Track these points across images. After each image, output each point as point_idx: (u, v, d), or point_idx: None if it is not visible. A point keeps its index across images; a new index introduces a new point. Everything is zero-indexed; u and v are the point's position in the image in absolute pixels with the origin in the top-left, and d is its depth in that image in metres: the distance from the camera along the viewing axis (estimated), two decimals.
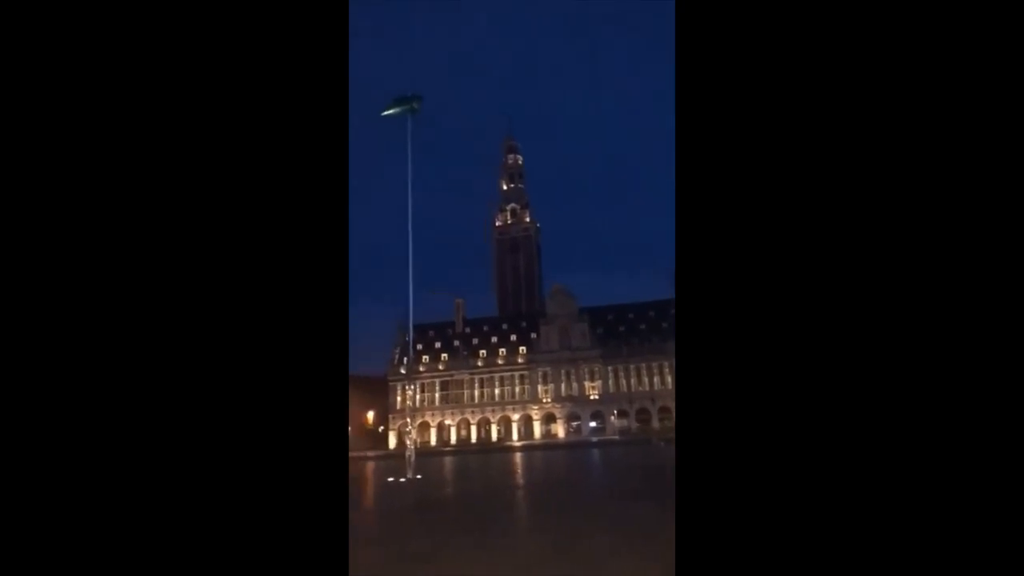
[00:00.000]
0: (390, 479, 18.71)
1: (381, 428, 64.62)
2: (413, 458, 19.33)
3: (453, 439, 61.77)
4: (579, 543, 7.38)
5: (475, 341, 66.56)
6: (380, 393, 63.85)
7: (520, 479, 19.20)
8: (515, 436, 59.96)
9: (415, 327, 59.02)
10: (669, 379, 58.77)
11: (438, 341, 66.31)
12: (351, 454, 28.08)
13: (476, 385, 63.93)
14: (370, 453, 47.77)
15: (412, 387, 21.77)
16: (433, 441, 61.11)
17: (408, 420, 23.20)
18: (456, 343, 66.60)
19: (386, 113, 22.17)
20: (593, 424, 59.32)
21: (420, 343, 63.04)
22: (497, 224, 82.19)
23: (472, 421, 62.92)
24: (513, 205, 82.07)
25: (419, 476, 18.68)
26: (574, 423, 60.17)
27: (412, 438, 21.80)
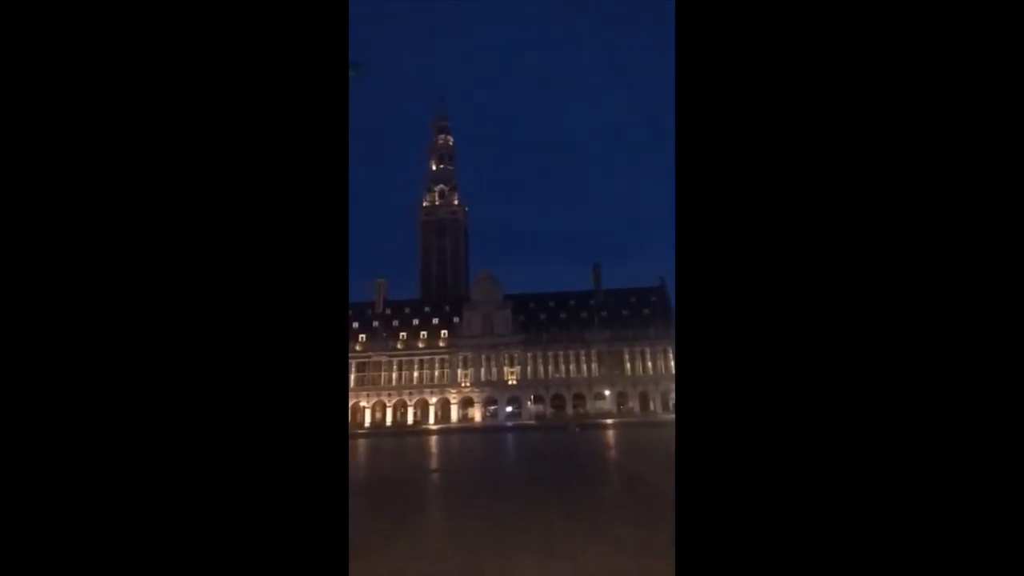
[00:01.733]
0: None
1: None
2: None
3: (367, 422, 60.56)
4: (517, 525, 7.57)
5: (395, 323, 65.35)
6: None
7: (442, 461, 19.25)
8: (431, 419, 59.79)
9: None
10: (584, 367, 60.99)
11: (356, 321, 64.41)
12: None
13: (394, 368, 62.91)
14: None
15: None
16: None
17: None
18: (375, 324, 65.03)
19: None
20: (509, 409, 60.41)
21: None
22: (424, 205, 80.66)
23: (388, 404, 61.96)
24: (442, 187, 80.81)
25: None
26: (491, 407, 60.95)
27: None
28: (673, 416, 48.42)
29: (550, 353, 61.78)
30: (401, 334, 64.42)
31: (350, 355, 61.80)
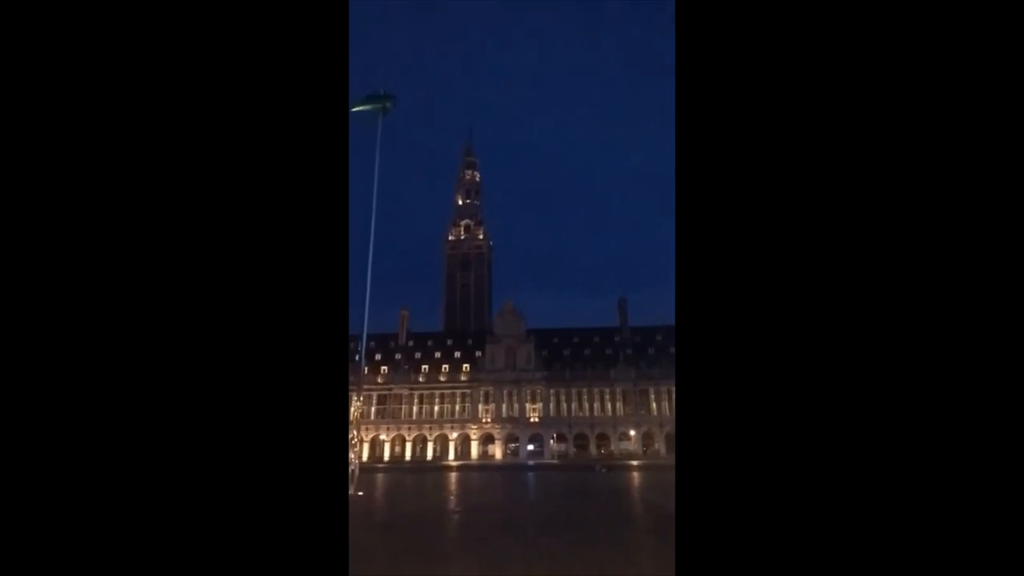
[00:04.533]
0: None
1: None
2: (357, 473, 18.17)
3: (387, 455, 59.65)
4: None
5: (418, 355, 65.06)
6: None
7: (474, 499, 18.49)
8: (451, 455, 58.59)
9: (355, 336, 56.89)
10: (609, 406, 59.47)
11: (379, 353, 64.28)
12: None
13: (415, 401, 62.24)
14: None
15: (358, 400, 20.93)
16: (365, 456, 58.63)
17: (355, 433, 21.92)
18: (398, 356, 64.82)
19: (355, 109, 21.30)
20: (531, 447, 58.94)
21: (358, 354, 60.72)
22: (450, 238, 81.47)
23: (408, 438, 61.05)
24: (467, 221, 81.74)
25: (360, 493, 17.60)
26: (512, 445, 59.54)
27: (356, 452, 20.53)
28: None
29: (574, 390, 60.50)
30: (423, 367, 64.00)
31: (372, 387, 61.50)
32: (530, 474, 35.11)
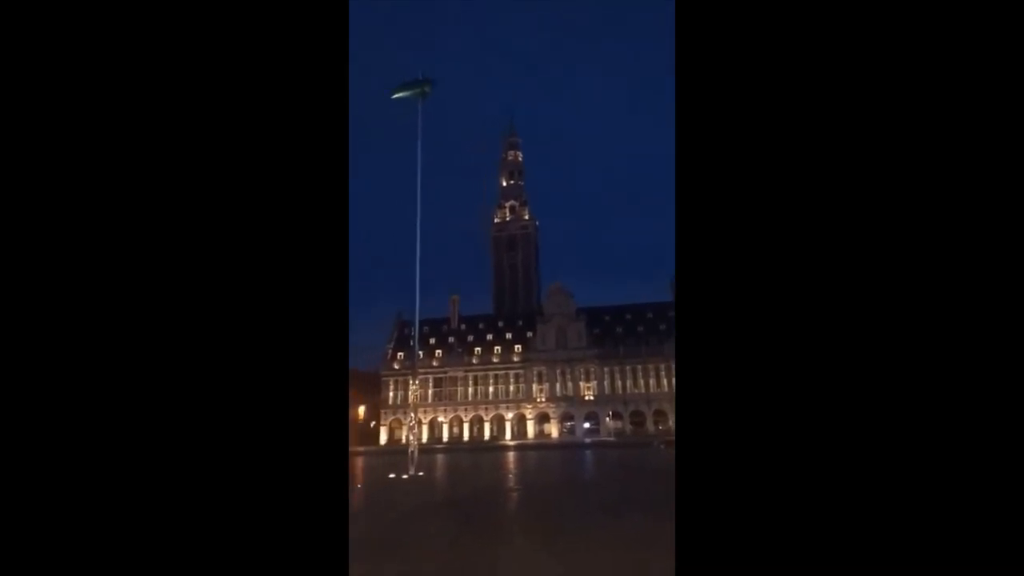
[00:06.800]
0: (391, 475, 18.12)
1: (373, 424, 63.87)
2: (416, 455, 18.69)
3: (445, 436, 61.17)
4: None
5: (470, 338, 65.96)
6: (372, 389, 63.05)
7: (529, 478, 18.64)
8: (508, 435, 59.41)
9: (409, 322, 58.60)
10: (665, 382, 58.47)
11: (432, 337, 65.63)
12: None
13: (470, 382, 63.30)
14: (360, 449, 47.18)
15: (415, 383, 21.65)
16: (425, 438, 60.48)
17: (413, 415, 22.51)
18: (451, 340, 65.95)
19: (396, 96, 21.39)
20: (587, 425, 58.91)
21: (412, 340, 62.09)
22: (496, 221, 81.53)
23: (465, 419, 62.32)
24: (512, 202, 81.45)
25: (420, 473, 18.10)
26: (568, 423, 59.71)
27: (415, 434, 21.11)
28: None
29: (628, 367, 59.78)
30: (476, 349, 64.87)
31: (428, 370, 63.02)
32: (587, 452, 35.08)
